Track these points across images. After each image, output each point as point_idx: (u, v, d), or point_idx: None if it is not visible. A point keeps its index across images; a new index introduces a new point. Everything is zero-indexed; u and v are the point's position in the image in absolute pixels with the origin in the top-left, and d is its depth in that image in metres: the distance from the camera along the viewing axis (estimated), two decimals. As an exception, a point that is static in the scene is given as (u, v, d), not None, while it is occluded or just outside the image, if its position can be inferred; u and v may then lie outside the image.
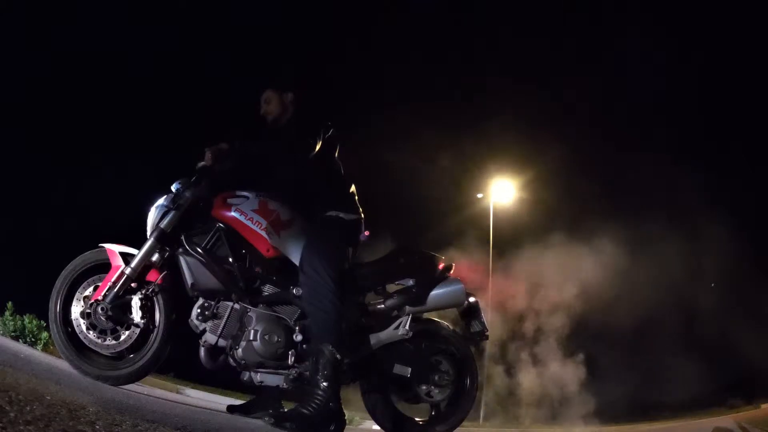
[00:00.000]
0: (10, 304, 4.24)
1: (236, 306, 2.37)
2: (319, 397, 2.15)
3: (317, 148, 2.53)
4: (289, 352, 2.34)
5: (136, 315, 2.33)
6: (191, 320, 2.37)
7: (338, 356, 2.21)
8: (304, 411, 2.12)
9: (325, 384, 2.16)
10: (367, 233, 2.65)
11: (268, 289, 2.42)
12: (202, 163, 2.43)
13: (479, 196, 17.95)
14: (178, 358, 2.52)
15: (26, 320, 4.14)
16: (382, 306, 2.52)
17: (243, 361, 2.33)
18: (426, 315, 2.67)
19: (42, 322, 4.13)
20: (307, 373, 2.30)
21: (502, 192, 17.80)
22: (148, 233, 2.40)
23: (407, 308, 2.53)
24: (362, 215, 2.66)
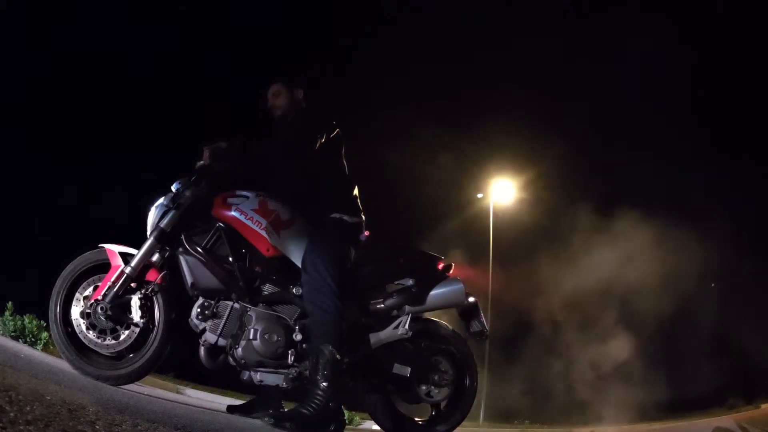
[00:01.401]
0: (10, 304, 4.23)
1: (236, 305, 2.37)
2: (318, 397, 2.15)
3: (317, 146, 2.52)
4: (289, 352, 2.34)
5: (136, 315, 2.33)
6: (191, 320, 2.37)
7: (338, 356, 2.21)
8: (304, 411, 2.12)
9: (324, 384, 2.17)
10: (366, 233, 2.65)
11: (267, 289, 2.42)
12: (201, 162, 2.43)
13: (479, 196, 17.97)
14: (178, 357, 2.52)
15: (26, 320, 4.13)
16: (382, 306, 2.52)
17: (243, 361, 2.33)
18: (426, 315, 2.67)
19: (42, 322, 4.13)
20: (307, 372, 2.30)
21: (502, 192, 17.82)
22: (148, 232, 2.40)
23: (407, 308, 2.52)
24: (364, 218, 2.66)
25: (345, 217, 2.55)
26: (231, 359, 2.37)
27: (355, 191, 2.71)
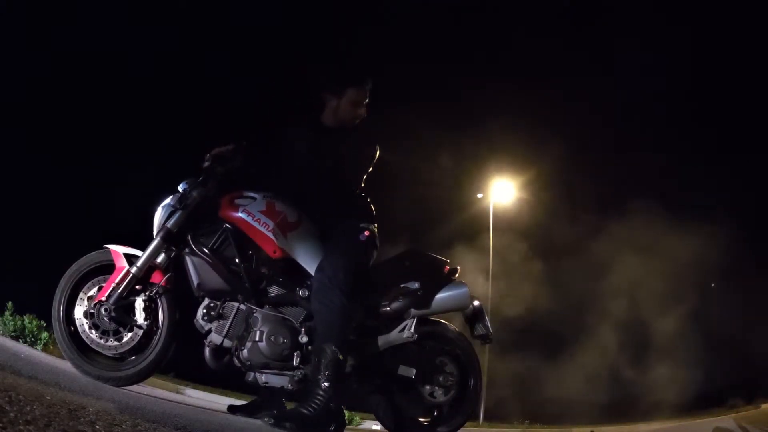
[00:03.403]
0: (10, 304, 4.22)
1: (242, 307, 2.36)
2: (319, 397, 2.13)
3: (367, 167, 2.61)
4: (294, 354, 2.33)
5: (140, 317, 2.32)
6: (196, 320, 2.36)
7: (340, 356, 2.20)
8: (304, 411, 2.11)
9: (326, 384, 2.15)
10: (366, 233, 2.64)
11: (274, 290, 2.42)
12: (208, 162, 2.43)
13: (479, 196, 17.99)
14: (179, 358, 2.51)
15: (26, 320, 4.13)
16: (388, 309, 2.51)
17: (248, 362, 2.32)
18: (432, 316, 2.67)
19: (42, 322, 4.12)
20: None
21: (502, 192, 17.85)
22: (155, 233, 2.39)
23: (412, 311, 2.52)
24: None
25: (371, 227, 2.58)
26: (236, 360, 2.36)
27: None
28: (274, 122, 2.74)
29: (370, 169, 2.66)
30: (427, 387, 2.57)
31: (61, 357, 2.50)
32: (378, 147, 2.64)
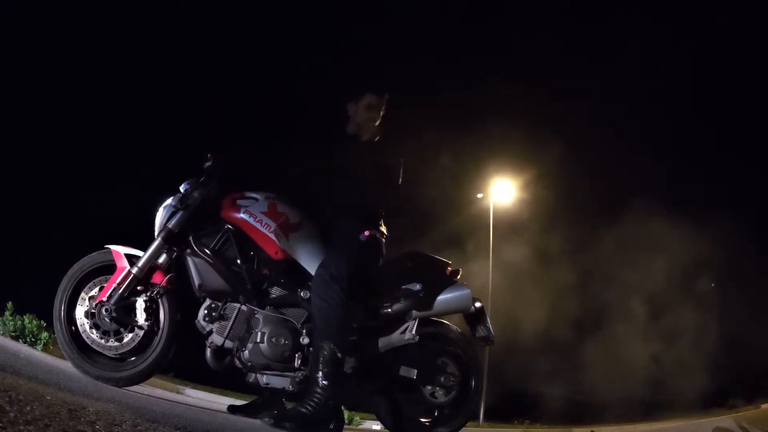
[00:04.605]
0: (10, 304, 4.23)
1: (243, 308, 2.36)
2: (317, 395, 2.13)
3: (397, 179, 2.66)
4: (296, 355, 2.33)
5: (141, 317, 2.31)
6: (198, 321, 2.35)
7: (339, 355, 2.19)
8: (303, 410, 2.11)
9: (324, 382, 2.14)
10: (366, 233, 2.63)
11: (275, 291, 2.41)
12: (209, 162, 2.43)
13: (479, 196, 17.99)
14: (179, 358, 2.51)
15: (26, 320, 4.13)
16: (389, 310, 2.50)
17: (249, 363, 2.32)
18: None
19: (42, 322, 4.13)
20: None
21: (502, 192, 17.86)
22: (156, 233, 2.39)
23: (414, 312, 2.51)
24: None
25: (377, 234, 2.58)
26: (237, 361, 2.35)
27: None
28: (299, 128, 2.75)
29: (400, 182, 2.70)
30: (429, 387, 2.56)
31: (61, 357, 2.50)
32: (402, 161, 2.68)
